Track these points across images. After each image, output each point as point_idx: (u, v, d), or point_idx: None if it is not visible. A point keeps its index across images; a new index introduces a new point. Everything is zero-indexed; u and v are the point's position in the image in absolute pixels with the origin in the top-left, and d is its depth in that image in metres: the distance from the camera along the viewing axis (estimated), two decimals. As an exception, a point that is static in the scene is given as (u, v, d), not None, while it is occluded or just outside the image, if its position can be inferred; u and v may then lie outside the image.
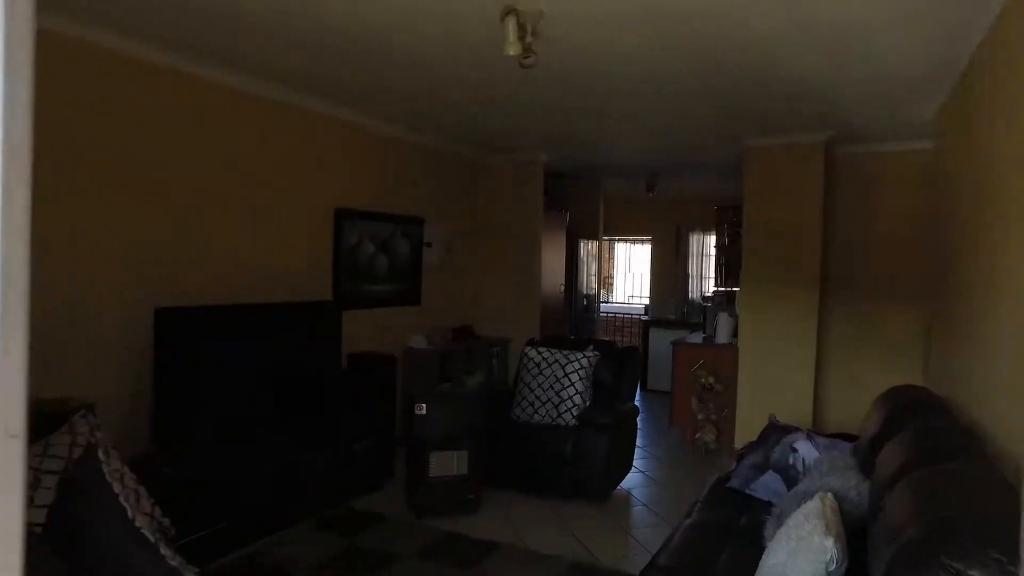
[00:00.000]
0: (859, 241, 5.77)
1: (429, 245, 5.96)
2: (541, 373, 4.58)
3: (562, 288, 7.55)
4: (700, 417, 5.56)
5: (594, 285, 8.49)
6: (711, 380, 5.54)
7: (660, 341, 8.55)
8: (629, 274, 12.72)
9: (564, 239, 7.67)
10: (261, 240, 4.33)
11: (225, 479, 3.36)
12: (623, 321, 10.68)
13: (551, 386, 4.51)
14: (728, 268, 6.23)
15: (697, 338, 6.31)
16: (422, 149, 5.89)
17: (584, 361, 4.51)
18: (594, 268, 8.47)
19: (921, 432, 2.24)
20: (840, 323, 5.80)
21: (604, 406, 4.49)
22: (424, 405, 4.02)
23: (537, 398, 4.54)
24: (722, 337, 5.82)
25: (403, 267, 5.66)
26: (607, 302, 10.79)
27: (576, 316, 7.99)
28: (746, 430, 5.61)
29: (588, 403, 4.48)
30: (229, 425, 3.63)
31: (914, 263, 5.59)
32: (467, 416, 4.12)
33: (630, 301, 10.88)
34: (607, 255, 12.65)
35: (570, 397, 4.44)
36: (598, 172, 7.76)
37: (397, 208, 5.61)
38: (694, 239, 9.11)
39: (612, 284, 13.16)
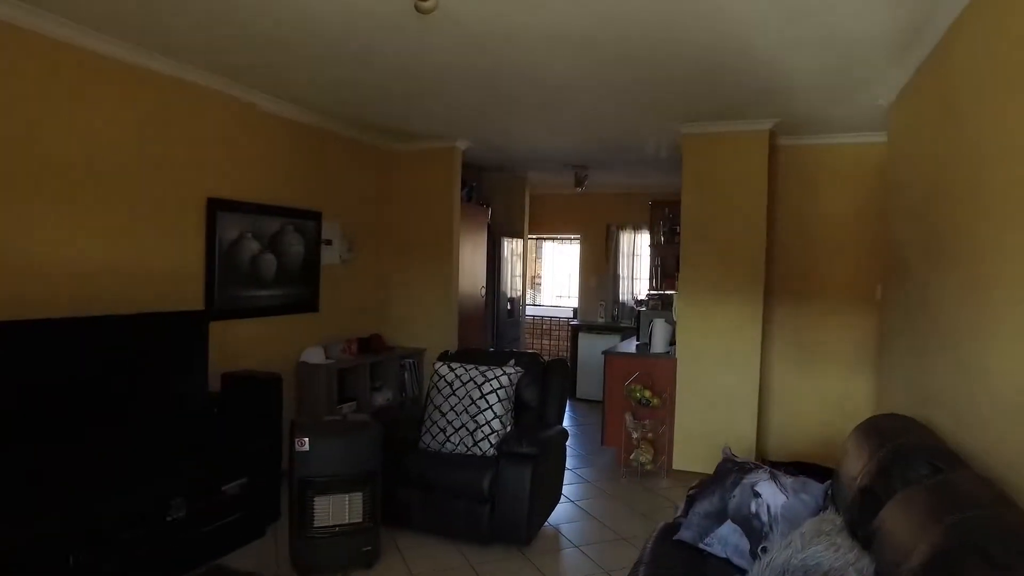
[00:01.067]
0: (802, 242, 5.35)
1: (328, 243, 5.17)
2: (454, 394, 3.90)
3: (483, 291, 6.88)
4: (635, 436, 5.00)
5: (519, 287, 7.87)
6: (647, 395, 4.99)
7: (590, 347, 8.02)
8: (557, 275, 12.19)
9: (485, 237, 7.00)
10: (106, 238, 3.46)
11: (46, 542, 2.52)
12: (551, 324, 10.12)
13: (466, 409, 3.83)
14: (664, 269, 5.73)
15: (630, 346, 5.77)
16: (321, 133, 5.10)
17: (504, 379, 3.86)
18: (519, 268, 7.85)
19: (938, 493, 1.69)
20: (785, 331, 5.37)
21: (528, 432, 3.85)
22: (307, 439, 3.26)
23: (450, 423, 3.85)
24: (658, 346, 5.29)
25: (295, 269, 4.85)
26: (534, 304, 10.20)
27: (499, 322, 7.34)
28: (685, 449, 5.09)
29: (509, 428, 3.83)
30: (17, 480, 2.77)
31: (863, 267, 5.21)
32: (363, 449, 3.38)
33: (558, 303, 10.33)
34: (534, 255, 12.09)
35: (488, 422, 3.77)
36: (523, 165, 7.13)
37: (289, 200, 4.80)
38: (625, 237, 8.62)
39: (539, 284, 12.61)
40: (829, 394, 5.31)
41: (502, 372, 3.87)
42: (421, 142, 5.80)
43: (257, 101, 4.42)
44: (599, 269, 8.79)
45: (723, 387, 4.98)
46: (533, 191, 8.65)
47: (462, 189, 6.36)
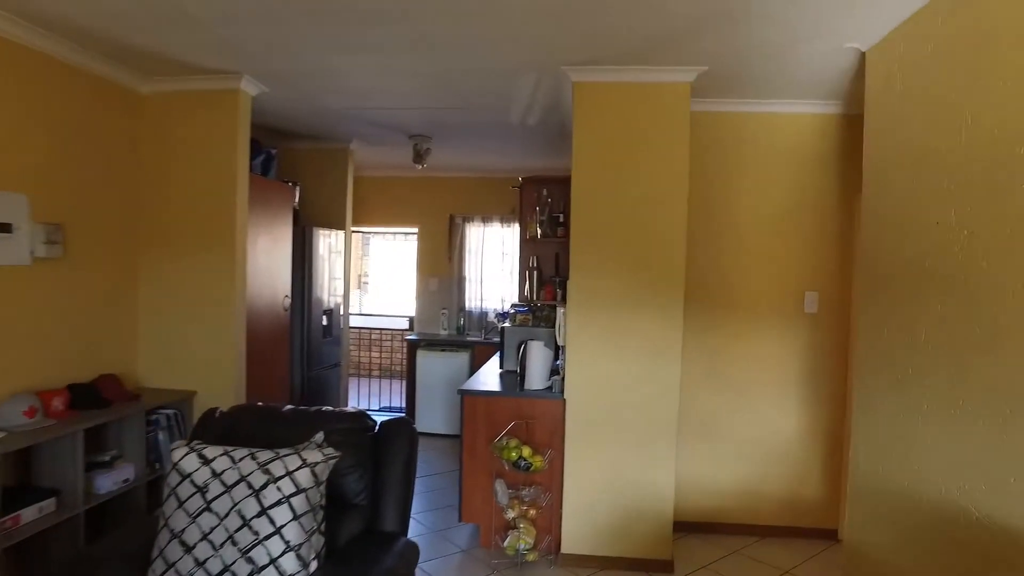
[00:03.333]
0: (716, 240, 4.14)
1: (7, 231, 3.08)
2: (210, 509, 2.11)
3: (288, 301, 5.01)
4: (512, 514, 3.49)
5: (340, 292, 6.05)
6: (526, 454, 3.49)
7: (431, 367, 6.44)
8: (390, 276, 10.42)
9: (290, 227, 5.13)
10: None
11: None
12: (381, 336, 8.39)
13: (231, 538, 2.06)
14: (541, 273, 4.30)
15: (493, 377, 4.24)
16: (18, 57, 2.99)
17: (303, 477, 2.13)
18: (340, 269, 6.03)
19: None
20: (697, 355, 4.12)
21: (350, 558, 2.17)
22: None
23: (201, 565, 2.05)
24: (536, 379, 3.81)
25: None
26: (360, 314, 8.38)
27: (310, 344, 5.48)
28: (579, 525, 3.65)
29: (315, 562, 2.12)
30: None
31: (792, 272, 4.10)
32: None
33: (392, 310, 8.61)
34: (359, 252, 10.23)
35: (274, 561, 2.03)
36: (345, 131, 5.34)
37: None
38: (473, 231, 7.11)
39: (366, 285, 10.76)
40: (749, 433, 4.15)
41: (300, 464, 2.14)
42: (187, 79, 3.83)
43: None
44: (440, 269, 7.19)
45: (632, 436, 3.61)
46: (360, 171, 6.86)
47: (254, 156, 4.47)
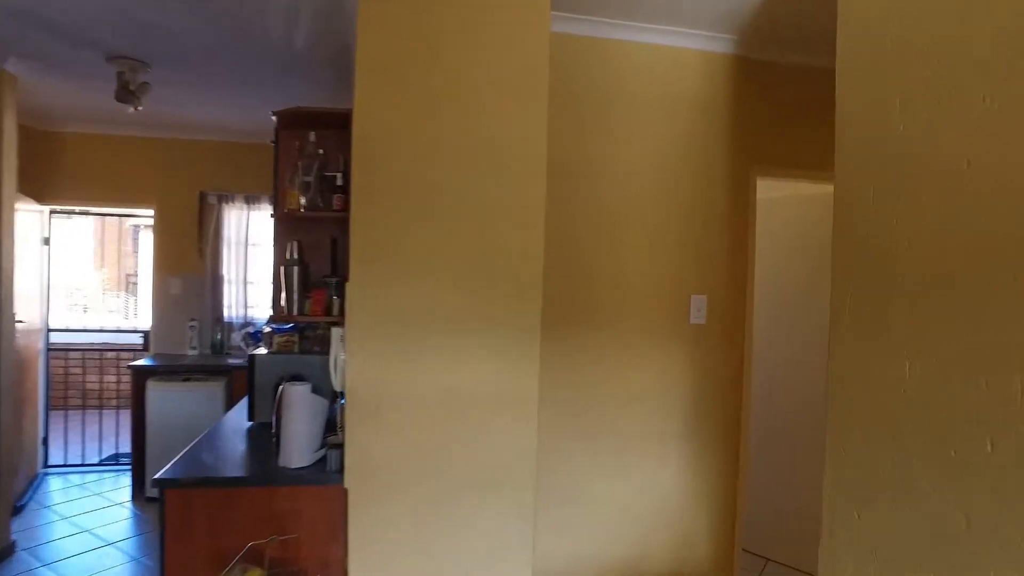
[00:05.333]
0: (572, 223, 2.87)
1: None
2: None
3: None
4: None
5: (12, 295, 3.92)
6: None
7: (168, 404, 4.58)
8: (115, 273, 8.07)
9: None
10: None
11: None
12: (99, 363, 6.20)
13: None
14: (306, 271, 2.59)
15: (233, 441, 2.59)
16: None
17: None
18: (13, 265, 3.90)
19: None
20: (552, 386, 2.81)
21: None
22: None
23: None
24: (297, 452, 2.24)
25: None
26: (65, 329, 6.09)
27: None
28: None
29: None
30: None
31: (673, 266, 2.94)
32: None
33: (115, 322, 6.41)
34: (122, 242, 7.79)
35: None
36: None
37: None
38: (232, 214, 5.25)
39: (135, 287, 8.30)
40: (617, 498, 2.93)
41: None
42: None
43: None
44: (187, 266, 5.23)
45: (468, 537, 2.19)
46: (52, 121, 4.74)
47: None
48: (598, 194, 2.88)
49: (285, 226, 2.56)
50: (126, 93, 3.46)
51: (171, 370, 4.60)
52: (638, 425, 2.92)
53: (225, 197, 5.24)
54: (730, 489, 3.09)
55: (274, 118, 2.50)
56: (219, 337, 5.14)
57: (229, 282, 5.29)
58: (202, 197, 5.20)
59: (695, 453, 3.02)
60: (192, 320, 5.11)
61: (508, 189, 2.17)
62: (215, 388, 4.58)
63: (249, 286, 5.30)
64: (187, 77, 3.68)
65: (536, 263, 2.20)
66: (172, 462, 2.29)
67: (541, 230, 2.21)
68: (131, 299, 9.00)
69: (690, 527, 3.03)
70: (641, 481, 2.95)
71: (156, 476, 2.10)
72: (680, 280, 2.96)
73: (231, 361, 4.82)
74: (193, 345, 5.08)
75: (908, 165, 1.54)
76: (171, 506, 2.07)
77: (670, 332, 2.95)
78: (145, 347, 5.32)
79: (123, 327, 7.84)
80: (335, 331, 2.24)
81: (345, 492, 2.12)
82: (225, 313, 5.28)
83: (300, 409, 2.29)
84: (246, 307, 5.27)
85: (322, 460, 2.27)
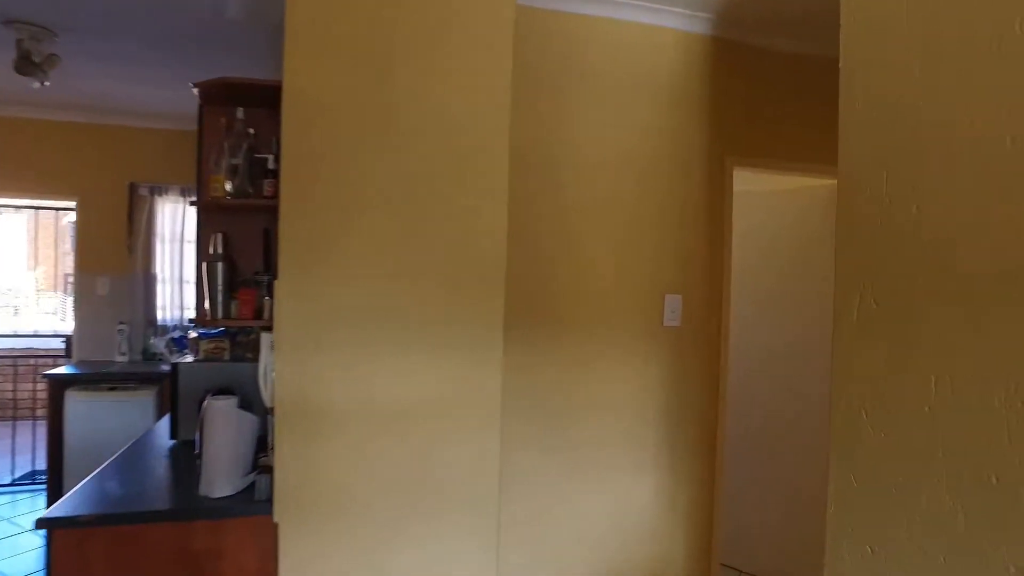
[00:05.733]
0: (535, 217, 2.60)
1: None
2: None
3: None
4: None
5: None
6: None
7: (91, 416, 4.18)
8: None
9: None
10: None
11: None
12: (12, 371, 5.71)
13: None
14: (234, 265, 2.23)
15: (153, 462, 2.25)
16: None
17: None
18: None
19: None
20: (525, 404, 2.55)
21: None
22: None
23: None
24: (221, 479, 1.92)
25: None
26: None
27: None
28: None
29: None
30: None
31: (645, 262, 2.70)
32: None
33: (32, 325, 5.90)
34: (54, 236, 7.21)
35: None
36: None
37: None
38: (166, 208, 4.83)
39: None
40: (587, 515, 2.68)
41: None
42: None
43: None
44: (115, 265, 4.79)
45: (415, 559, 1.91)
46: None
47: None
48: (561, 185, 2.62)
49: (209, 216, 2.23)
50: (28, 64, 3.05)
51: (95, 378, 4.18)
52: (608, 437, 2.68)
53: (158, 189, 4.82)
54: (707, 501, 2.87)
55: (195, 90, 2.16)
56: (151, 344, 4.72)
57: (163, 281, 4.87)
58: (132, 189, 4.77)
59: (670, 465, 2.79)
60: (121, 323, 4.67)
61: (467, 173, 1.89)
62: (145, 398, 4.18)
63: (185, 285, 4.88)
64: (101, 49, 3.28)
65: (499, 258, 1.92)
66: (69, 493, 1.94)
67: (504, 225, 1.93)
68: (69, 300, 8.42)
69: (666, 542, 2.80)
70: (613, 496, 2.70)
71: (41, 516, 1.75)
72: (653, 278, 2.73)
73: (165, 368, 4.41)
74: (122, 351, 4.65)
75: (932, 143, 1.31)
76: (60, 551, 1.73)
77: (642, 336, 2.71)
78: (67, 353, 4.86)
79: (59, 330, 7.30)
80: (265, 337, 1.93)
81: (276, 527, 1.81)
82: (159, 315, 4.86)
83: (225, 428, 1.97)
84: (182, 308, 4.86)
85: (251, 487, 1.96)
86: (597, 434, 2.66)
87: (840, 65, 1.53)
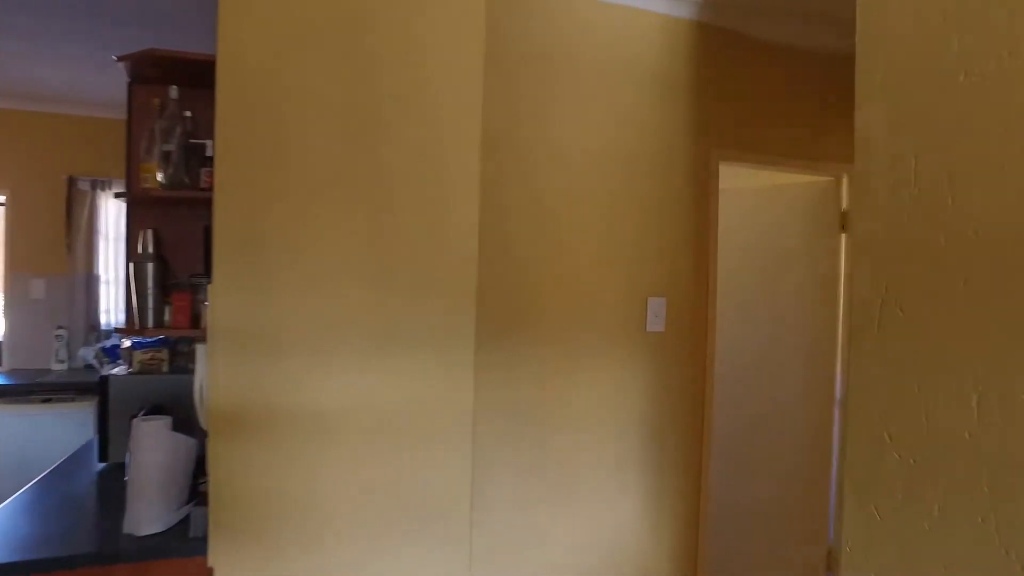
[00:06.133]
0: (504, 215, 2.39)
1: None
2: None
3: None
4: None
5: None
6: None
7: (19, 429, 3.84)
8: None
9: None
10: None
11: None
12: None
13: None
14: (167, 266, 1.98)
15: (71, 510, 1.97)
16: None
17: None
18: None
19: None
20: (499, 420, 2.33)
21: None
22: None
23: None
24: (150, 513, 1.67)
25: None
26: None
27: None
28: None
29: None
30: None
31: (625, 263, 2.50)
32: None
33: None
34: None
35: None
36: None
37: None
38: (109, 202, 4.49)
39: None
40: (565, 535, 2.48)
41: None
42: None
43: None
44: (51, 264, 4.44)
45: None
46: None
47: None
48: (535, 178, 2.41)
49: (140, 210, 1.96)
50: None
51: (26, 389, 3.83)
52: (586, 452, 2.47)
53: (100, 183, 4.48)
54: (692, 516, 2.69)
55: (120, 64, 1.89)
56: (81, 351, 4.36)
57: (106, 283, 4.53)
58: (71, 183, 4.42)
59: (653, 480, 2.60)
60: (59, 328, 4.32)
61: (434, 161, 1.67)
62: (85, 410, 3.84)
63: (120, 288, 4.54)
64: (25, 24, 2.96)
65: (469, 256, 1.70)
66: (-35, 534, 1.66)
67: (475, 224, 1.71)
68: None
69: (649, 560, 2.61)
70: (593, 514, 2.50)
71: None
72: (635, 280, 2.53)
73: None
74: (60, 358, 4.30)
75: (970, 119, 1.13)
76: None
77: (624, 343, 2.51)
78: (-1, 361, 4.48)
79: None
80: (200, 348, 1.67)
81: (211, 571, 1.56)
82: (102, 319, 4.52)
83: (154, 452, 1.72)
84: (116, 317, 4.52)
85: (185, 521, 1.71)
86: (574, 450, 2.45)
87: (857, 14, 1.33)
